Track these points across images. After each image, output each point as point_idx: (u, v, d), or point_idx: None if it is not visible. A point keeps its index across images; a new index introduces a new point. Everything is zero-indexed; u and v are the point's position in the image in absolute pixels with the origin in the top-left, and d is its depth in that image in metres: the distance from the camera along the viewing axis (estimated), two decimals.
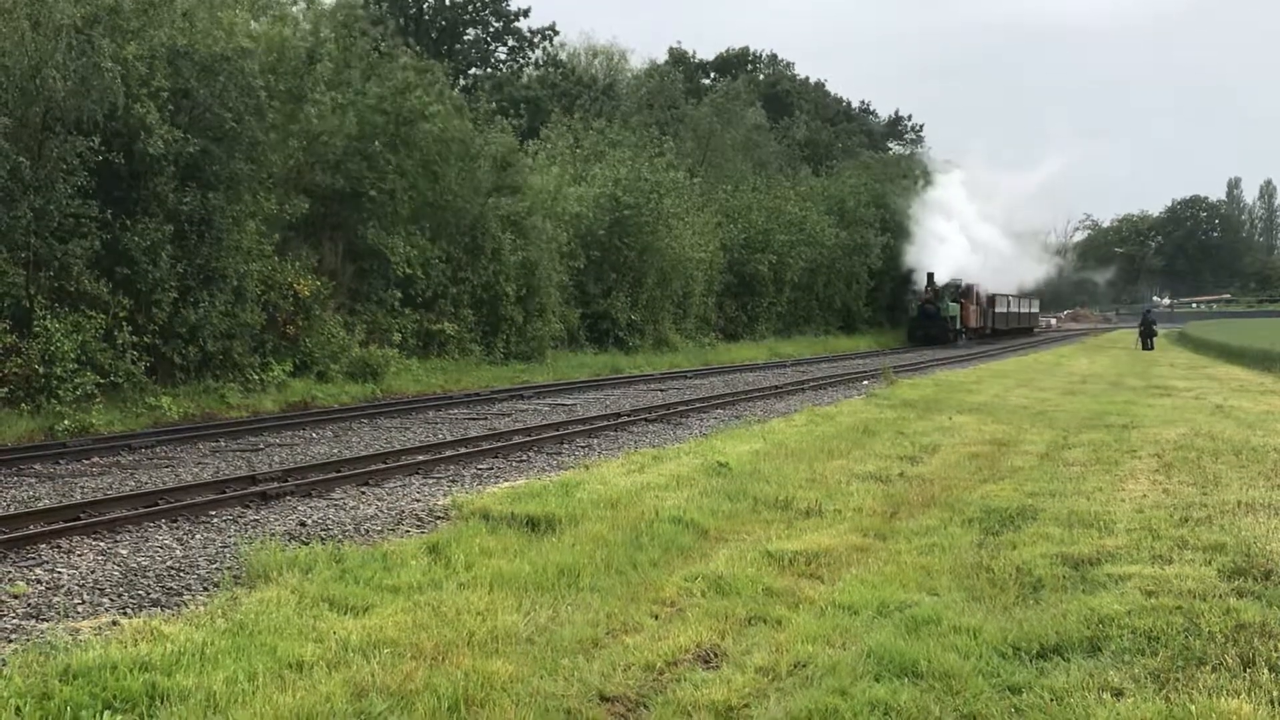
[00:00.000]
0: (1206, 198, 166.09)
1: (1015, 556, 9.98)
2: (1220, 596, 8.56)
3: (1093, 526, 11.15)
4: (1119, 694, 6.79)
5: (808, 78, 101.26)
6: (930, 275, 64.22)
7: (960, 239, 68.34)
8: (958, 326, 64.48)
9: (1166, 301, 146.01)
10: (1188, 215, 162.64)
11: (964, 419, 21.50)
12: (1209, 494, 12.82)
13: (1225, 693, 6.71)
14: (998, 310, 74.36)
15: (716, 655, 7.70)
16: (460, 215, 33.63)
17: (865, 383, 31.51)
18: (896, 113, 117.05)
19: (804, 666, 7.36)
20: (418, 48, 36.72)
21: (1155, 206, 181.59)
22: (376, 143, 30.04)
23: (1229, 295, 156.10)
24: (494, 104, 38.82)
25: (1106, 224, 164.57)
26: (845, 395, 27.74)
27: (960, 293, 66.10)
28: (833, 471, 15.00)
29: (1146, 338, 56.86)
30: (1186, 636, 7.65)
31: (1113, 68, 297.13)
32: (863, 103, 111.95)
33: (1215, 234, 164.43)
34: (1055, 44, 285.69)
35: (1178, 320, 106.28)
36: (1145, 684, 6.91)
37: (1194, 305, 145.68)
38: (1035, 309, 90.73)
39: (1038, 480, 14.22)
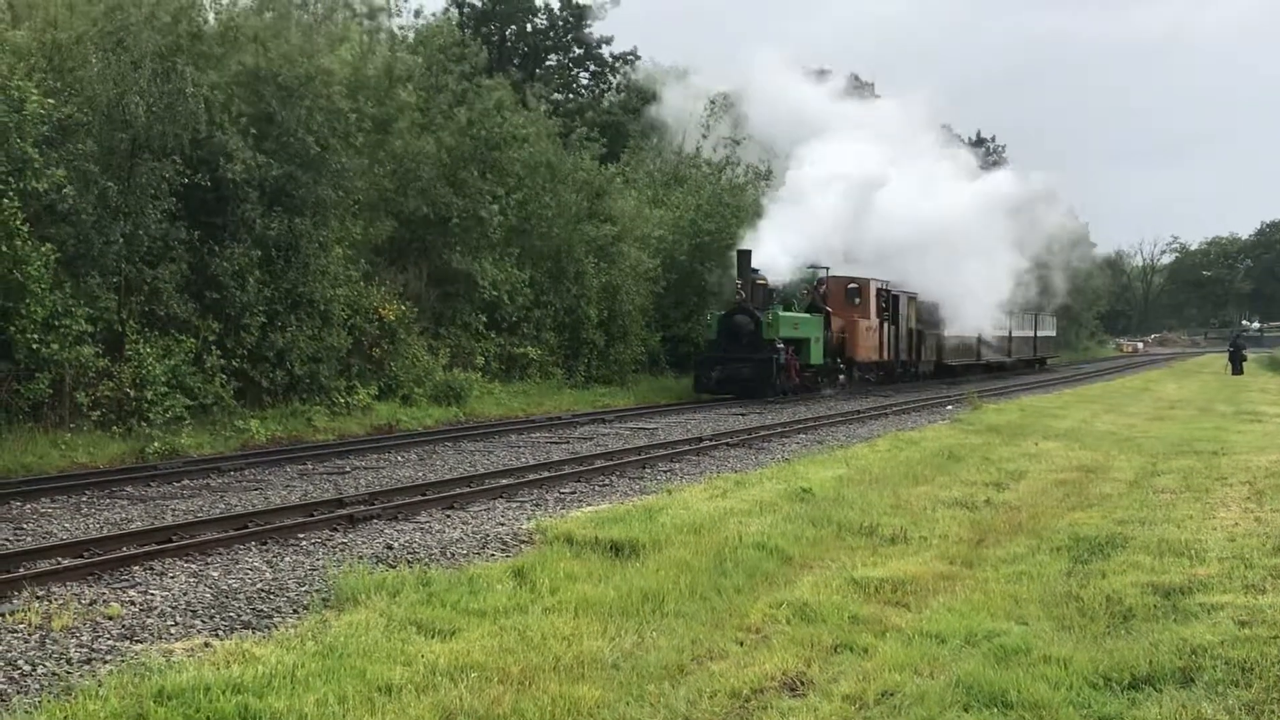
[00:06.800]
0: None
1: (1105, 585, 9.88)
2: None
3: (1184, 555, 11.01)
4: None
5: (880, 95, 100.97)
6: (743, 255, 33.72)
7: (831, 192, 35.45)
8: (820, 359, 35.63)
9: (1256, 325, 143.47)
10: (1278, 237, 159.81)
11: (1050, 445, 21.29)
12: None
13: None
14: (949, 333, 46.01)
15: (803, 683, 7.67)
16: (547, 240, 33.91)
17: (950, 408, 31.25)
18: (979, 134, 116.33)
19: (892, 695, 7.32)
20: (516, 74, 36.99)
21: (1244, 229, 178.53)
22: (472, 169, 30.34)
23: None
24: (589, 132, 38.99)
25: (1194, 247, 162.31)
26: (929, 420, 27.54)
27: (831, 292, 37.50)
28: (917, 498, 14.91)
29: (1236, 362, 55.93)
30: None
31: (1200, 82, 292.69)
32: (944, 126, 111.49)
33: None
34: (1138, 57, 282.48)
35: (1268, 344, 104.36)
36: (1239, 716, 6.82)
37: None
38: (1050, 332, 64.64)
39: (1127, 508, 14.06)
